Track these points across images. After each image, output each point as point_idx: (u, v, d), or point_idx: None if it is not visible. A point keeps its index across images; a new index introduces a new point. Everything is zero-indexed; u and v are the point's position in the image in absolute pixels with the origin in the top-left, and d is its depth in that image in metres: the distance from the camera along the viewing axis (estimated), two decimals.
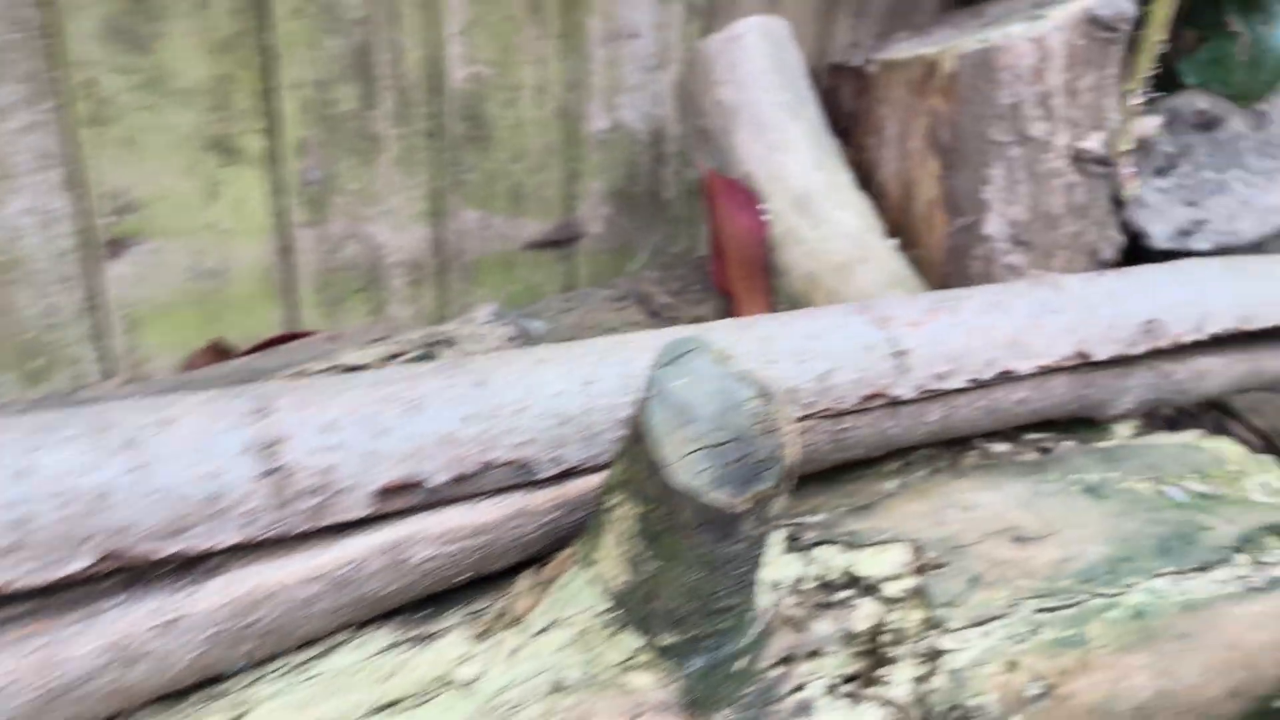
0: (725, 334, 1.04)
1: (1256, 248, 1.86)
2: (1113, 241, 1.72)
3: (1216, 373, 1.41)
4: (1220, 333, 1.35)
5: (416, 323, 1.59)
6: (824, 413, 1.06)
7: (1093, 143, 1.57)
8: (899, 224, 1.69)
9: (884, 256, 1.42)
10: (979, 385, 1.17)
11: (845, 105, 1.73)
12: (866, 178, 1.73)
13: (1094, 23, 1.51)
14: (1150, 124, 1.63)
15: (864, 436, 1.12)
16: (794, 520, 1.15)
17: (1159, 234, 1.90)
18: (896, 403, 1.11)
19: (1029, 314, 1.21)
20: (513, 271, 1.64)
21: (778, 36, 1.52)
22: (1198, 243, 1.87)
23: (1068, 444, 1.37)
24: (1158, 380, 1.36)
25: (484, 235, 1.60)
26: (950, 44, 1.54)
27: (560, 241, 1.66)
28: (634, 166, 1.70)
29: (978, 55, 1.51)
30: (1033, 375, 1.21)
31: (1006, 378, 1.18)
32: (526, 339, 1.34)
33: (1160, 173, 1.97)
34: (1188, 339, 1.32)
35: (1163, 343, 1.30)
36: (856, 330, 1.10)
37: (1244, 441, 1.83)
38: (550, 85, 1.58)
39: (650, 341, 0.99)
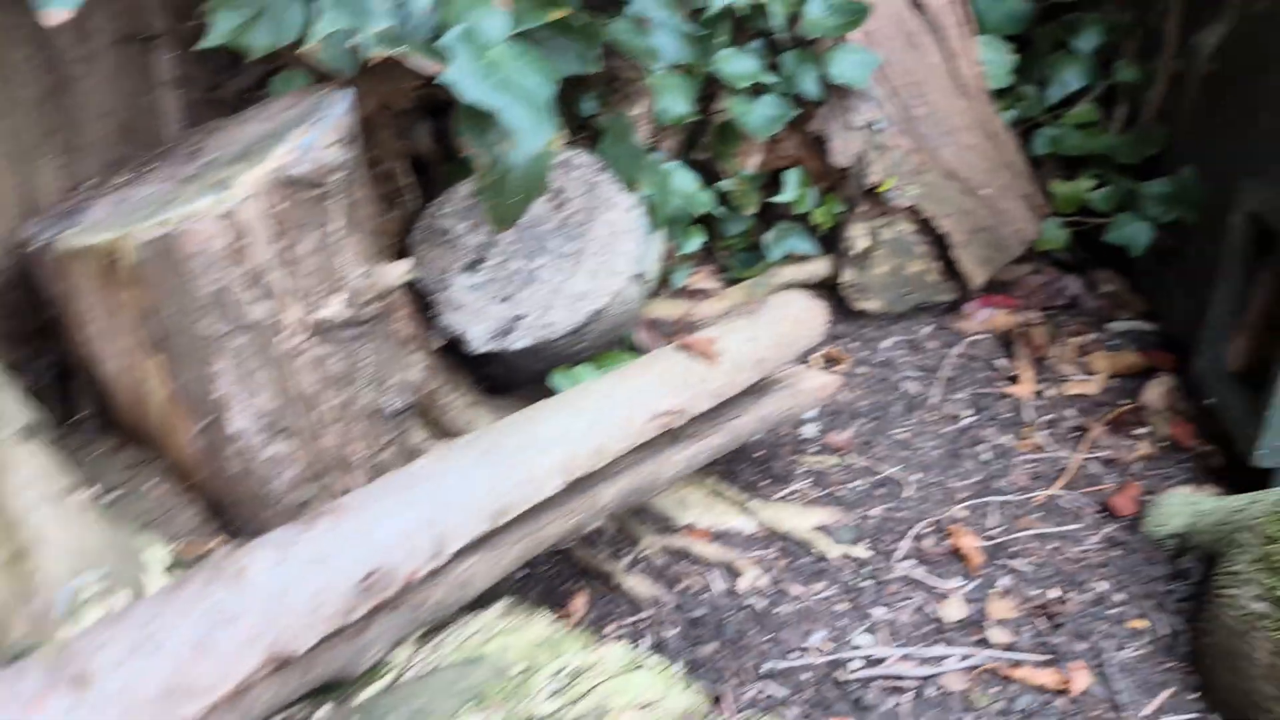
0: None
1: (574, 334, 1.77)
2: (403, 388, 1.55)
3: (485, 571, 1.28)
4: (468, 544, 1.22)
5: None
6: None
7: (333, 308, 1.37)
8: (139, 428, 1.41)
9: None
10: None
11: (50, 288, 1.40)
12: (90, 375, 1.42)
13: (293, 183, 1.29)
14: (399, 269, 1.45)
15: None
16: None
17: (477, 337, 1.76)
18: None
19: (194, 637, 0.98)
20: None
21: None
22: (517, 341, 1.75)
23: (325, 709, 1.19)
24: (410, 613, 1.20)
25: None
26: (127, 229, 1.26)
27: None
28: None
29: (159, 244, 1.24)
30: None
31: None
32: None
33: (470, 268, 1.83)
34: (426, 571, 1.17)
35: (392, 591, 1.13)
36: None
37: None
38: None
39: None
